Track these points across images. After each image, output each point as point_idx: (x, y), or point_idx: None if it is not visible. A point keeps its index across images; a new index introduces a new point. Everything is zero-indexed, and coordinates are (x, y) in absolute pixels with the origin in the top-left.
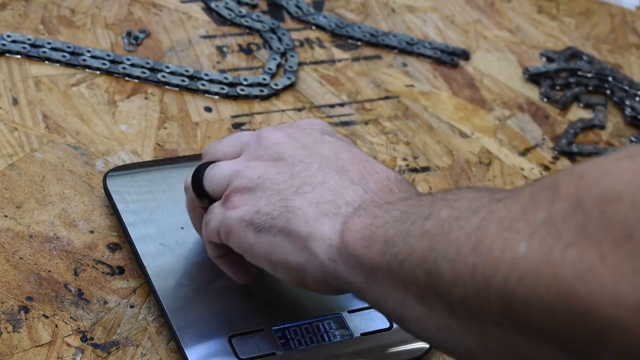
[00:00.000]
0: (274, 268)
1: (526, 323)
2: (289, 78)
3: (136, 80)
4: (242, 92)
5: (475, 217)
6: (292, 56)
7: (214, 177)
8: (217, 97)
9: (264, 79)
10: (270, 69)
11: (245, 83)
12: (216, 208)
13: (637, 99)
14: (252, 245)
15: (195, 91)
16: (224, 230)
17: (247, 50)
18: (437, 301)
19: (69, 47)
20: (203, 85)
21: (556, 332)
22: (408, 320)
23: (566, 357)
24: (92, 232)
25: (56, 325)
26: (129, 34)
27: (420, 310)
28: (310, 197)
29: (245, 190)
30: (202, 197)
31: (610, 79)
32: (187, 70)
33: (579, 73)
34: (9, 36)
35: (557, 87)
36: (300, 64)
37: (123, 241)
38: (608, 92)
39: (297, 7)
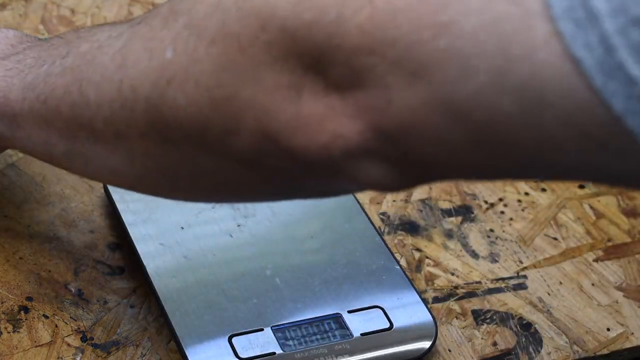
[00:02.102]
0: None
1: (171, 126)
2: None
3: None
4: None
5: (118, 41)
6: None
7: None
8: None
9: None
10: None
11: None
12: None
13: None
14: None
15: None
16: None
17: None
18: (80, 130)
19: None
20: None
21: (198, 128)
22: (57, 157)
23: (205, 156)
24: (92, 232)
25: (56, 325)
26: None
27: (66, 145)
28: None
29: None
30: None
31: None
32: None
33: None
34: None
35: None
36: None
37: (123, 241)
38: None
39: None
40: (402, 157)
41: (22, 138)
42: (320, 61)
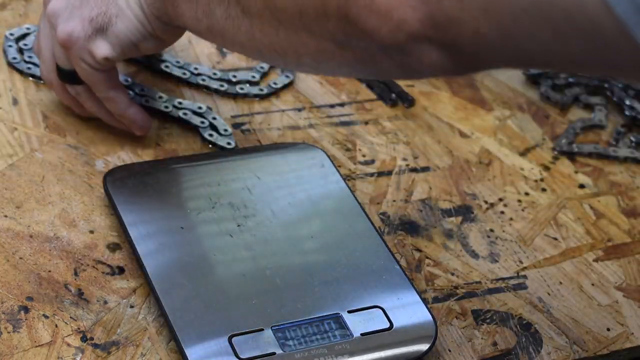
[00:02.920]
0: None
1: (278, 7)
2: (287, 76)
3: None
4: (242, 91)
5: None
6: None
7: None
8: (216, 94)
9: (253, 77)
10: (262, 67)
11: (234, 80)
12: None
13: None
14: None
15: (196, 86)
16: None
17: None
18: (217, 8)
19: None
20: (203, 80)
21: (297, 12)
22: (204, 33)
23: (307, 36)
24: (92, 232)
25: (56, 325)
26: None
27: (207, 22)
28: None
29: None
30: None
31: (610, 79)
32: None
33: (579, 73)
34: None
35: (557, 87)
36: None
37: (123, 241)
38: (608, 92)
39: None
40: (453, 45)
41: (180, 16)
42: None
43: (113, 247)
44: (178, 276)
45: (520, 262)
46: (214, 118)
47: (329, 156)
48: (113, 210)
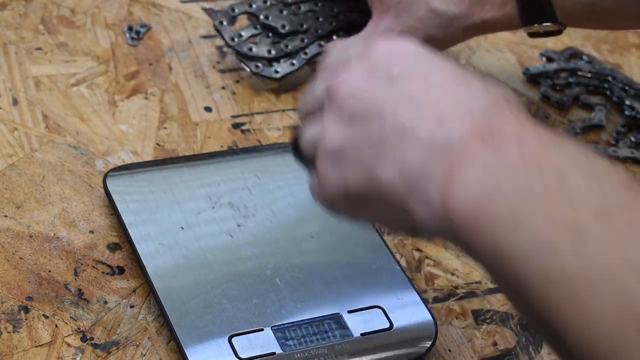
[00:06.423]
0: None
1: None
2: (292, 64)
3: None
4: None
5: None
6: None
7: (302, 142)
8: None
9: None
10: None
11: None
12: (314, 179)
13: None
14: (358, 217)
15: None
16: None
17: None
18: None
19: None
20: None
21: None
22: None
23: None
24: (92, 232)
25: (56, 325)
26: (130, 29)
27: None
28: (392, 165)
29: (328, 161)
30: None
31: (610, 79)
32: None
33: (579, 73)
34: None
35: (557, 87)
36: None
37: (123, 241)
38: (608, 92)
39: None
40: None
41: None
42: None
43: (113, 247)
44: (178, 276)
45: None
46: None
47: None
48: (113, 210)
